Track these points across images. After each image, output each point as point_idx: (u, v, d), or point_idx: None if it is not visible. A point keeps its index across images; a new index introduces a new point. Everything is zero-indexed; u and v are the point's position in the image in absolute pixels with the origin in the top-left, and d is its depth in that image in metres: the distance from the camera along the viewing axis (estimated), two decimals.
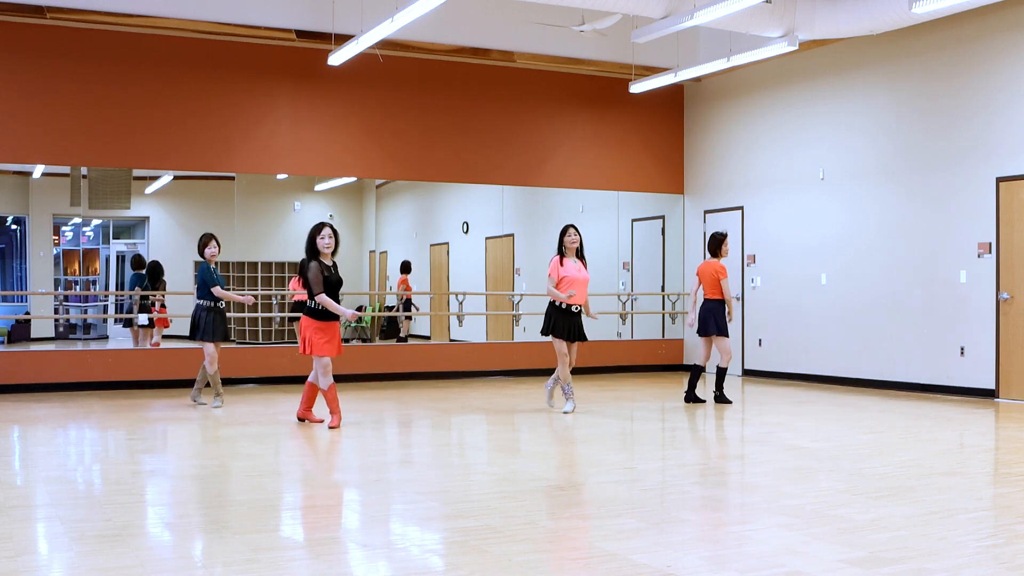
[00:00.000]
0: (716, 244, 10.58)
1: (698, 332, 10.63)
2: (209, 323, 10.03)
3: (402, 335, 16.07)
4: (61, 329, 15.83)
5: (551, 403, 10.18)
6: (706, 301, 10.48)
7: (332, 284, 8.67)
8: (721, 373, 10.63)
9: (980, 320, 11.17)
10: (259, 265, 15.84)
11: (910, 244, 11.99)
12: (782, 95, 13.75)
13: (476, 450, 8.23)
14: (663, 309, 15.59)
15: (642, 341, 15.46)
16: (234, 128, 12.78)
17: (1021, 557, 4.41)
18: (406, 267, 16.60)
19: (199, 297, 10.15)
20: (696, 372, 10.70)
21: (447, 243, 18.21)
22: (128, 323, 13.93)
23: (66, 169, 13.94)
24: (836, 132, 12.97)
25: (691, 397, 10.69)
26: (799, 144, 13.51)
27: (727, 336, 10.46)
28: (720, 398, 10.58)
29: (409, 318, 16.07)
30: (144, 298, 13.79)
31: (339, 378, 12.73)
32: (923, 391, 11.73)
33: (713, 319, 10.42)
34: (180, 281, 13.92)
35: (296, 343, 10.54)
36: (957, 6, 10.07)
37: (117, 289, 16.18)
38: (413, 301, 16.67)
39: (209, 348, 10.06)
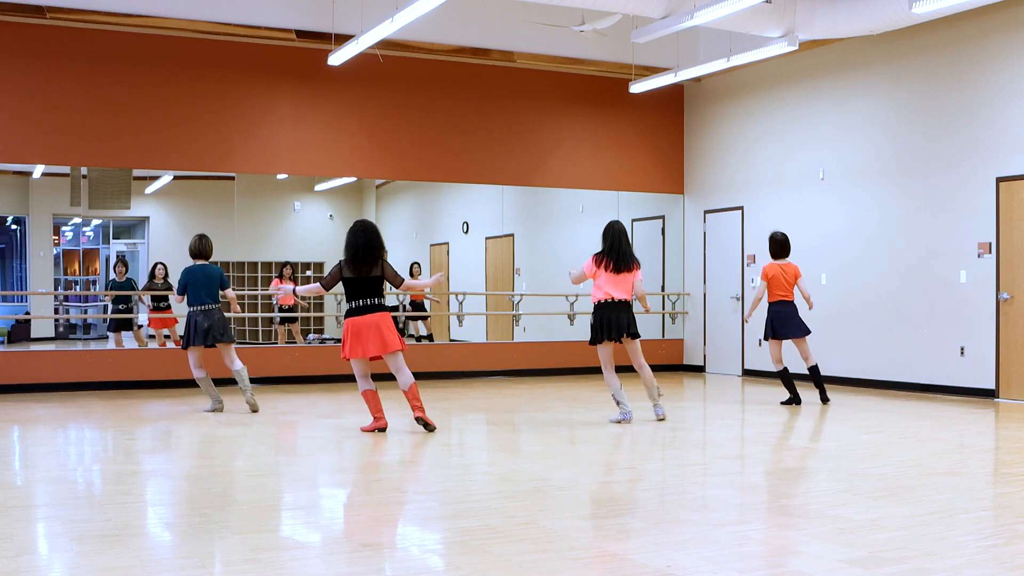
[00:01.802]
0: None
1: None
2: (187, 328, 9.74)
3: (426, 332, 15.95)
4: (61, 329, 15.85)
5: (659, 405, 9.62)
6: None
7: (353, 282, 8.39)
8: (810, 373, 10.58)
9: (980, 320, 11.17)
10: (259, 265, 15.85)
11: (910, 244, 11.99)
12: (782, 95, 13.75)
13: (476, 450, 8.24)
14: (663, 309, 15.58)
15: (642, 341, 15.39)
16: (234, 128, 12.78)
17: (1021, 557, 4.41)
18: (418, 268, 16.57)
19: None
20: (783, 376, 10.58)
21: (447, 243, 18.22)
22: (126, 325, 13.90)
23: (66, 169, 13.94)
24: (836, 132, 12.97)
25: (793, 399, 10.57)
26: (799, 144, 13.50)
27: (772, 339, 10.49)
28: (822, 398, 10.61)
29: (425, 317, 15.98)
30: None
31: (341, 378, 12.75)
32: (923, 391, 11.73)
33: (769, 322, 10.52)
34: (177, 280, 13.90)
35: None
36: (957, 6, 10.07)
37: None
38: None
39: (191, 355, 9.82)
